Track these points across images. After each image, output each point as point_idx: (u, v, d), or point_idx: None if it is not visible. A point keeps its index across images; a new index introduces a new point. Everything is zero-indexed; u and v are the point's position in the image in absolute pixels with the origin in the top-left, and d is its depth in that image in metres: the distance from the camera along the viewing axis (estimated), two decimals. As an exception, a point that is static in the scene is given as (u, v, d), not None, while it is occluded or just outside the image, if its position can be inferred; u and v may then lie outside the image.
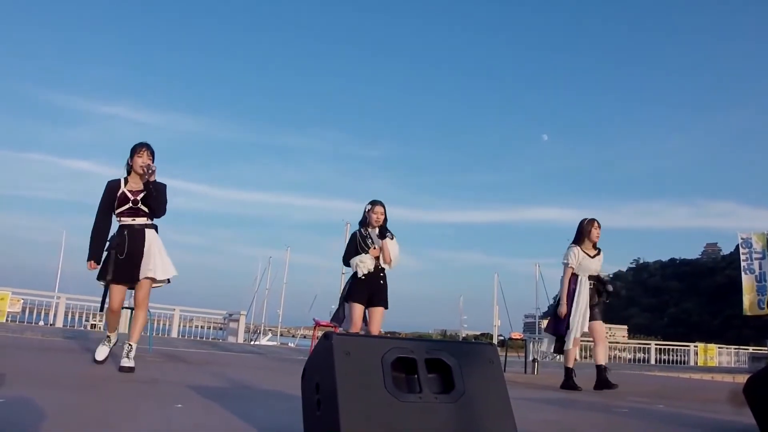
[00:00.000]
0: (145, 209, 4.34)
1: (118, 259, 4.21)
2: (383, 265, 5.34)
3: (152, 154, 4.35)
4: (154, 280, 4.35)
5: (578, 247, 5.71)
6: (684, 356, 20.33)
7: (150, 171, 4.24)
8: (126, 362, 4.15)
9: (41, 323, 14.72)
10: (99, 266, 4.27)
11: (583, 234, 5.76)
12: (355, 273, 5.28)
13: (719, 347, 21.72)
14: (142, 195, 4.30)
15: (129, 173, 4.37)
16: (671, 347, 20.73)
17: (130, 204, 4.29)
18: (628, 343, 23.68)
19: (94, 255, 4.27)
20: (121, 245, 4.23)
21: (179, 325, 15.36)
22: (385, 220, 5.39)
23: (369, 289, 5.27)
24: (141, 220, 4.33)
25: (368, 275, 5.24)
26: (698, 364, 19.47)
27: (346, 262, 5.39)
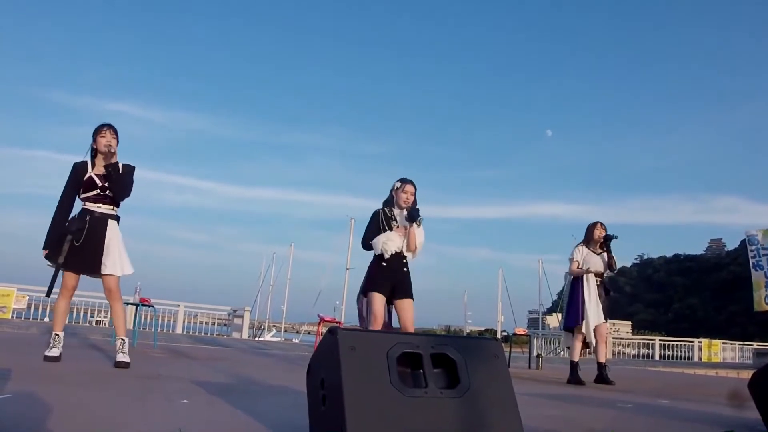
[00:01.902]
0: (112, 197, 4.15)
1: (74, 245, 4.00)
2: (405, 253, 4.66)
3: (116, 133, 4.15)
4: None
5: (584, 246, 6.29)
6: (688, 352, 20.31)
7: (110, 151, 4.04)
8: (122, 357, 4.11)
9: (47, 319, 14.79)
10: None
11: (586, 235, 6.33)
12: (375, 260, 4.65)
13: (724, 343, 21.66)
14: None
15: (94, 157, 4.16)
16: (675, 343, 20.70)
17: (98, 190, 4.10)
18: (632, 339, 23.63)
19: (51, 243, 4.03)
20: (81, 232, 4.02)
21: (184, 321, 15.44)
22: (415, 202, 4.68)
23: (392, 279, 4.57)
24: (106, 208, 4.15)
25: (389, 264, 4.55)
26: (702, 360, 19.46)
27: (366, 244, 4.67)
